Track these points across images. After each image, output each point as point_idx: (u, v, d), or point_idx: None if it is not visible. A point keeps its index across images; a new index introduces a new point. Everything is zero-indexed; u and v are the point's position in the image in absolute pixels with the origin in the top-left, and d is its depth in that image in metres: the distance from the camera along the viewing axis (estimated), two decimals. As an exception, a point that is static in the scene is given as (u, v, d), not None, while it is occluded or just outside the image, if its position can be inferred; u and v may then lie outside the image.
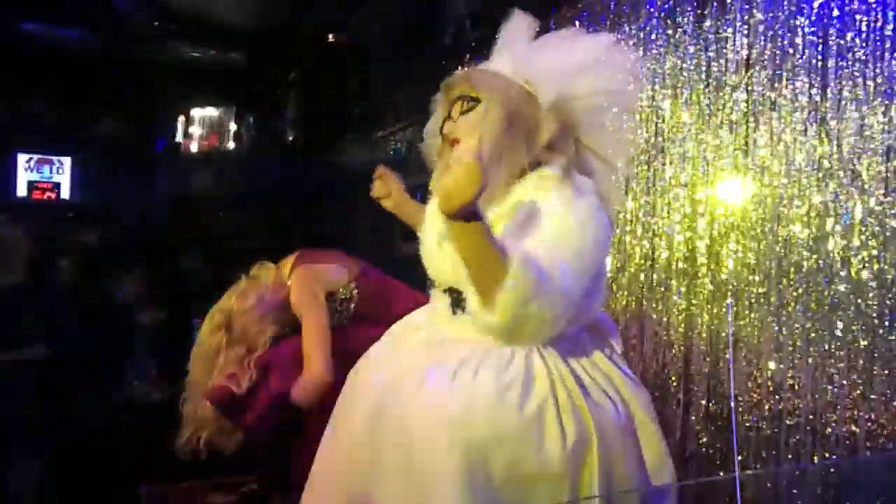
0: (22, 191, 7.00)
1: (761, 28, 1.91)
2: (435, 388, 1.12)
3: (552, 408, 1.12)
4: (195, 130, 7.43)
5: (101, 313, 3.53)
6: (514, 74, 1.26)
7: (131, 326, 3.77)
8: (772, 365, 1.73)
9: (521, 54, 1.29)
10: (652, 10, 2.30)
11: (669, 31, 2.27)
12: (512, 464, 1.08)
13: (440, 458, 1.06)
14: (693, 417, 1.98)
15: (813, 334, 1.65)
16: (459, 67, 2.24)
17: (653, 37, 2.33)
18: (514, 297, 1.05)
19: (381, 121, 4.74)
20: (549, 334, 1.14)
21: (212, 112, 7.46)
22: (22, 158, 7.02)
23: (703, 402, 1.96)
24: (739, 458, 1.83)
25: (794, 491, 1.62)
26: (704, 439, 1.98)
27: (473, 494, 1.04)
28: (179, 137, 7.41)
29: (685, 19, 2.21)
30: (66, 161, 7.16)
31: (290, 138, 6.81)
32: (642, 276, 2.22)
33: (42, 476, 2.81)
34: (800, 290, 1.68)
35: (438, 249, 1.27)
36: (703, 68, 2.10)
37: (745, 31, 1.96)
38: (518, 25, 1.34)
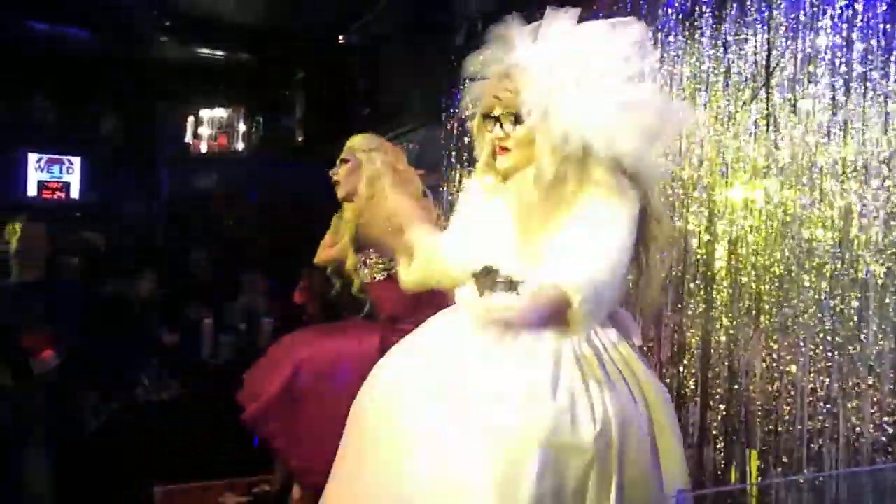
0: (32, 190, 7.03)
1: (782, 29, 1.90)
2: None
3: (583, 396, 1.13)
4: (204, 131, 7.44)
5: (110, 312, 3.52)
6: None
7: (140, 325, 3.78)
8: (793, 368, 1.72)
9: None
10: (670, 11, 2.29)
11: (687, 34, 2.26)
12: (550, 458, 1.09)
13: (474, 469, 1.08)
14: (711, 422, 1.97)
15: (836, 337, 1.63)
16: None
17: (670, 39, 2.31)
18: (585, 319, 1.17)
19: (390, 121, 4.73)
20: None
21: (221, 112, 7.47)
22: (32, 158, 7.04)
23: (722, 405, 1.95)
24: (759, 464, 1.81)
25: (817, 499, 1.60)
26: (721, 444, 1.97)
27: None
28: (189, 138, 7.42)
29: (703, 21, 2.20)
30: (76, 161, 7.18)
31: (299, 138, 6.81)
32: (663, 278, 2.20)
33: (53, 474, 2.81)
34: (823, 293, 1.66)
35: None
36: (722, 71, 2.09)
37: (766, 33, 1.94)
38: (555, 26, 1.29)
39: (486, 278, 1.25)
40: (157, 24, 5.68)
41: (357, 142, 2.23)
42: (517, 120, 1.24)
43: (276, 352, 2.20)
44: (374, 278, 2.16)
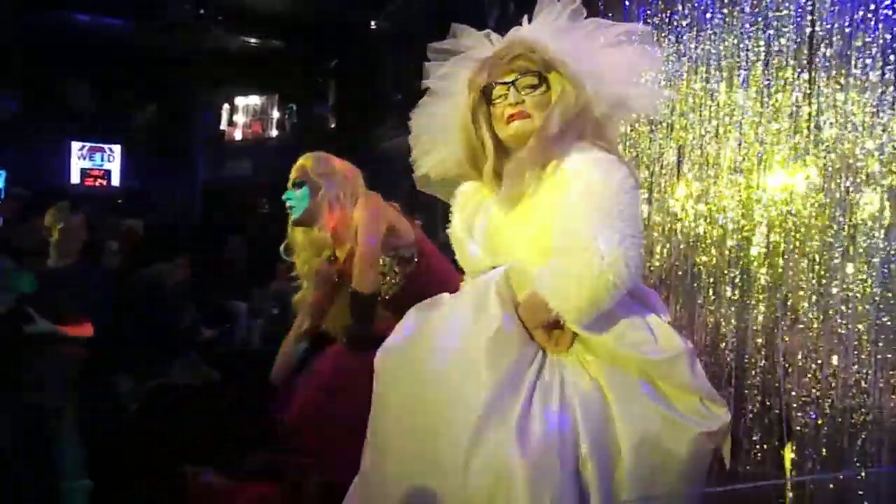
0: (76, 178, 7.24)
1: (827, 3, 1.80)
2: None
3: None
4: (239, 118, 7.54)
5: (146, 295, 3.59)
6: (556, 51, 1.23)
7: (175, 309, 3.85)
8: (834, 360, 1.64)
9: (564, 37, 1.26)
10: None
11: (725, 10, 2.17)
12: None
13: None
14: (747, 414, 1.90)
15: (881, 328, 1.55)
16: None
17: (707, 16, 2.22)
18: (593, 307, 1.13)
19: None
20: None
21: (255, 100, 7.56)
22: (75, 146, 7.24)
23: (758, 397, 1.88)
24: (794, 457, 1.75)
25: (861, 496, 1.53)
26: (758, 436, 1.90)
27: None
28: (224, 125, 7.52)
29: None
30: (116, 149, 7.36)
31: (332, 125, 6.84)
32: (693, 265, 2.13)
33: (86, 456, 2.89)
34: (868, 281, 1.58)
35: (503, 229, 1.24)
36: (762, 48, 2.00)
37: (809, 7, 1.85)
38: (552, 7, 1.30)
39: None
40: (193, 15, 5.76)
41: (312, 164, 2.06)
42: (538, 82, 1.22)
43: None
44: (388, 296, 2.02)
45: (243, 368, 3.53)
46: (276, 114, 7.50)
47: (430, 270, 2.01)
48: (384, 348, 1.25)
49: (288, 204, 2.07)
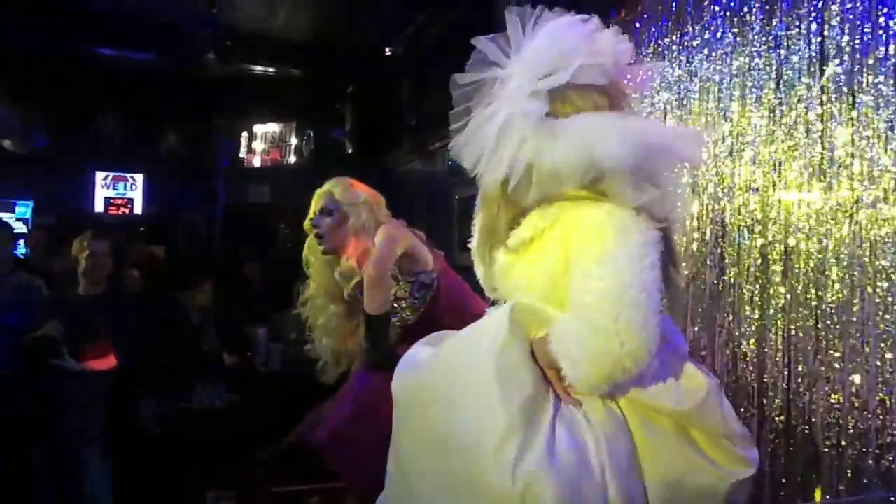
0: (100, 206, 7.39)
1: (837, 20, 1.81)
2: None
3: None
4: (258, 145, 7.66)
5: (169, 321, 3.64)
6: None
7: (197, 334, 3.89)
8: (857, 379, 1.61)
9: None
10: (717, 8, 2.21)
11: (736, 30, 2.18)
12: None
13: None
14: (769, 435, 1.87)
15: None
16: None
17: (718, 35, 2.24)
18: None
19: (437, 132, 4.75)
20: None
21: (273, 127, 7.68)
22: (100, 176, 7.41)
23: (779, 417, 1.85)
24: (820, 480, 1.71)
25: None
26: (781, 459, 1.87)
27: None
28: (243, 152, 7.64)
29: (752, 16, 2.12)
30: (139, 177, 7.51)
31: (349, 150, 6.92)
32: (712, 284, 2.12)
33: (112, 479, 2.92)
34: (889, 300, 1.56)
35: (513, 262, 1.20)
36: (774, 67, 2.00)
37: (819, 24, 1.85)
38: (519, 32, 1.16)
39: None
40: (213, 44, 5.90)
41: (340, 192, 2.08)
42: None
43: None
44: (408, 321, 2.01)
45: (264, 392, 3.56)
46: (293, 140, 7.61)
47: (450, 298, 2.01)
48: (396, 372, 1.25)
49: (316, 232, 2.07)
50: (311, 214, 2.13)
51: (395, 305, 2.00)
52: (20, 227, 6.55)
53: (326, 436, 1.98)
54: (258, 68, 6.58)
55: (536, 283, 1.13)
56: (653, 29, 2.43)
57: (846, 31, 1.76)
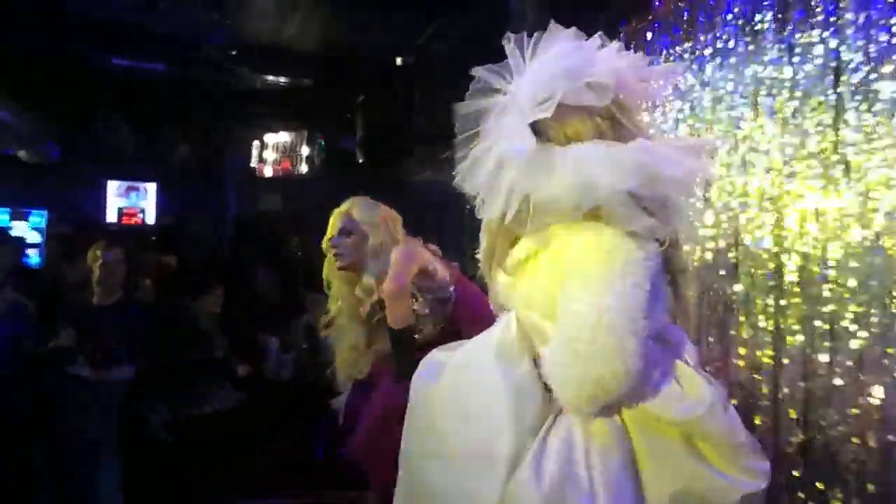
0: (112, 216, 7.45)
1: (851, 29, 1.79)
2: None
3: None
4: (269, 155, 7.70)
5: (181, 329, 3.66)
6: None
7: (209, 342, 3.90)
8: (879, 391, 1.59)
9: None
10: (729, 17, 2.20)
11: (748, 39, 2.17)
12: None
13: None
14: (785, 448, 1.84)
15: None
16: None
17: (730, 45, 2.23)
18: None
19: (448, 141, 4.76)
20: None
21: (284, 137, 7.72)
22: (112, 186, 7.48)
23: (797, 430, 1.82)
24: (840, 495, 1.68)
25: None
26: (798, 473, 1.84)
27: None
28: (254, 162, 7.69)
29: (765, 25, 2.11)
30: (151, 187, 7.58)
31: (360, 160, 6.94)
32: (726, 294, 2.10)
33: (123, 484, 2.93)
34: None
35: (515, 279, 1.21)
36: (787, 76, 1.98)
37: (834, 32, 1.84)
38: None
39: None
40: (224, 55, 5.95)
41: (359, 212, 2.14)
42: None
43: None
44: (430, 337, 1.97)
45: (277, 400, 3.56)
46: (304, 150, 7.65)
47: (468, 308, 2.03)
48: (414, 377, 1.25)
49: (335, 251, 2.12)
50: (328, 234, 2.18)
51: (417, 321, 2.02)
52: (35, 237, 6.62)
53: (357, 445, 2.00)
54: (270, 78, 6.64)
55: (536, 302, 1.13)
56: (666, 38, 2.42)
57: (860, 39, 1.74)
